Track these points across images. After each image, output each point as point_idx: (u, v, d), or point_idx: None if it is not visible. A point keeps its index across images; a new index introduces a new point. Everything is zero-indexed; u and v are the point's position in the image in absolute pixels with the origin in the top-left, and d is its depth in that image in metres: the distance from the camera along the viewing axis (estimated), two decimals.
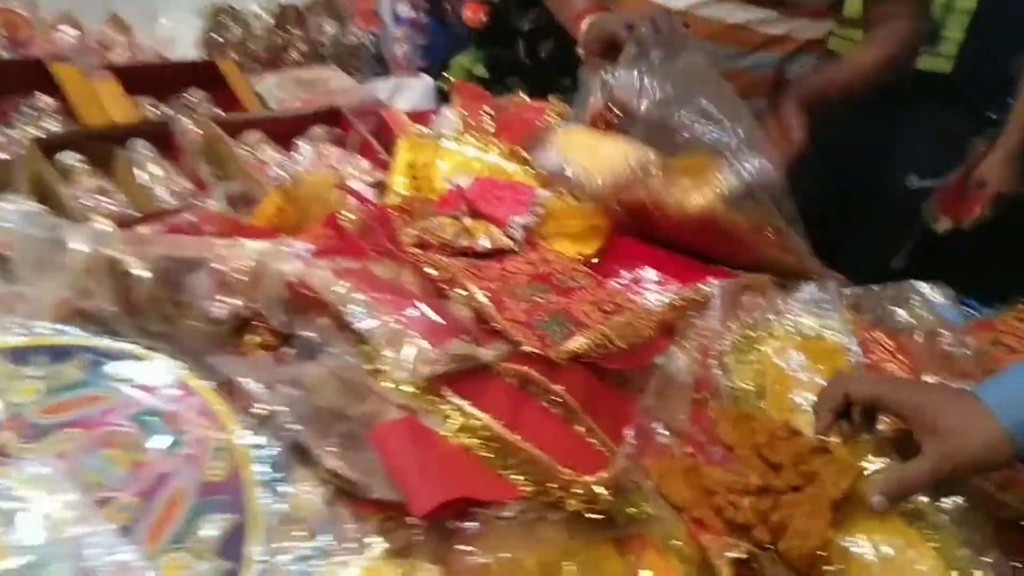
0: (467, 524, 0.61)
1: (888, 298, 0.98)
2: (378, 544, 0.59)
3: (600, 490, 0.65)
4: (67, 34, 1.67)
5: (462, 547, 0.59)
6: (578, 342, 0.80)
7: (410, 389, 0.73)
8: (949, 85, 1.89)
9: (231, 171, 1.27)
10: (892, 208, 1.94)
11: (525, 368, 0.78)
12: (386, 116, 1.50)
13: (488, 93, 1.59)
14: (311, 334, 0.75)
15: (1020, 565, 0.67)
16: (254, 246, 0.76)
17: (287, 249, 0.77)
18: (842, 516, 0.65)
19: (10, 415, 0.57)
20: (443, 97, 2.22)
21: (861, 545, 0.62)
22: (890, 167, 1.92)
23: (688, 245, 1.02)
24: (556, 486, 0.65)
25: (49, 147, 1.18)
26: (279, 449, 0.62)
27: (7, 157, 1.27)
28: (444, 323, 0.79)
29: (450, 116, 1.43)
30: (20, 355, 0.63)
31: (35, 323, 0.66)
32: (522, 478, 0.67)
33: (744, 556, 0.62)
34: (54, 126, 1.37)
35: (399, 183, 1.15)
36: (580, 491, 0.64)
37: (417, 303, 0.79)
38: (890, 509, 0.65)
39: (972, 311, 1.02)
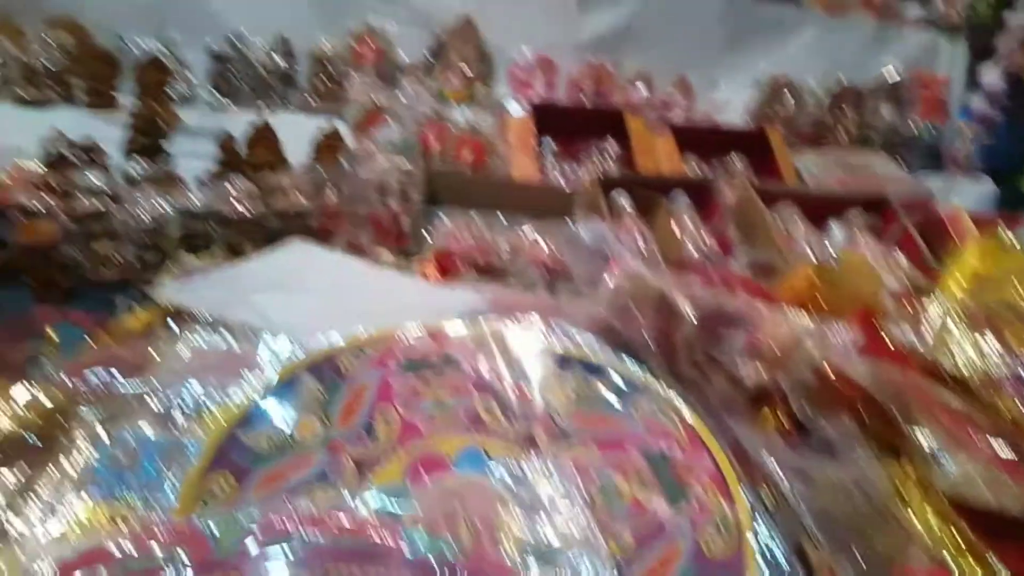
0: None
1: None
2: None
3: None
4: (640, 90, 1.86)
5: None
6: None
7: (946, 538, 0.59)
8: None
9: (758, 238, 1.26)
10: None
11: None
12: (942, 214, 1.32)
13: None
14: (831, 432, 0.66)
15: None
16: (798, 320, 0.70)
17: (832, 333, 0.70)
18: None
19: (545, 413, 0.61)
20: (1005, 205, 1.90)
21: None
22: None
23: None
24: None
25: (606, 186, 1.32)
26: (784, 548, 0.55)
27: (569, 190, 1.45)
28: None
29: None
30: (563, 362, 0.67)
31: (576, 334, 0.71)
32: None
33: None
34: (614, 168, 1.53)
35: (954, 292, 0.98)
36: None
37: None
38: None
39: None
